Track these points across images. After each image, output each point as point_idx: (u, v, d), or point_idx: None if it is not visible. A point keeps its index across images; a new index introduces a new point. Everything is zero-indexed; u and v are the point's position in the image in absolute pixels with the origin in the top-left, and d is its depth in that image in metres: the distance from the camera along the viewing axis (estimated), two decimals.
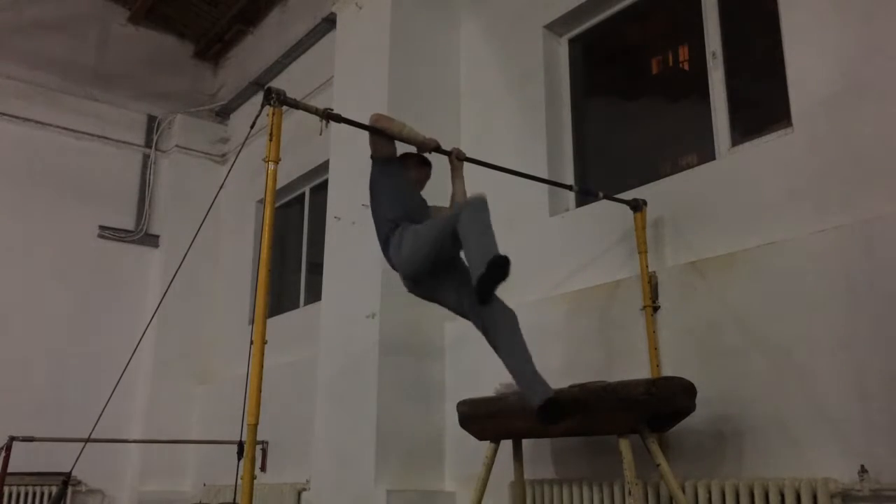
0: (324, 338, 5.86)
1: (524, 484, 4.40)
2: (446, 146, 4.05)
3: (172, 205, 8.90)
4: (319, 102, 4.14)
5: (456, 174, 4.12)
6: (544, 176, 4.98)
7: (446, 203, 4.15)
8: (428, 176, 4.11)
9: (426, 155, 4.06)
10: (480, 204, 3.48)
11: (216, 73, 9.89)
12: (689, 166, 4.67)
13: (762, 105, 4.45)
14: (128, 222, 8.90)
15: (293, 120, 3.89)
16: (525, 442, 4.38)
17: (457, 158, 4.08)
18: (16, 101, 8.31)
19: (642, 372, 4.12)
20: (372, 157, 3.94)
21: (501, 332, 3.60)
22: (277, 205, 3.75)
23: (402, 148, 4.02)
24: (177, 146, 9.19)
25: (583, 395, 3.73)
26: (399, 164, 4.00)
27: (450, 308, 3.87)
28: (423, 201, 4.04)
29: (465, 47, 6.20)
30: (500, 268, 3.29)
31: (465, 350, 5.35)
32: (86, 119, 8.73)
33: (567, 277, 4.89)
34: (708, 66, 4.60)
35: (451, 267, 3.75)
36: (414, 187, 4.03)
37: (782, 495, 3.43)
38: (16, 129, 8.32)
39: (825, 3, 3.93)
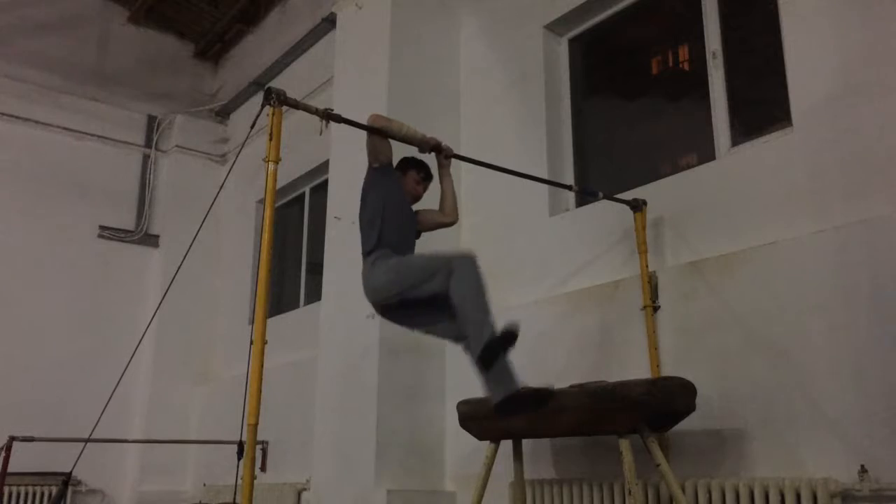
0: (324, 338, 5.86)
1: (524, 484, 4.40)
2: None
3: (172, 205, 8.89)
4: (319, 102, 4.14)
5: (444, 172, 4.07)
6: (544, 176, 4.98)
7: (434, 206, 4.12)
8: (426, 189, 4.08)
9: (424, 159, 4.04)
10: (471, 265, 3.47)
11: (216, 73, 9.89)
12: (689, 166, 4.67)
13: (762, 105, 4.45)
14: (128, 222, 8.90)
15: (293, 120, 3.89)
16: (525, 442, 4.38)
17: (444, 156, 4.02)
18: (16, 101, 8.31)
19: (642, 372, 4.12)
20: (370, 164, 3.91)
21: None
22: (277, 205, 3.75)
23: (399, 150, 4.00)
24: (177, 146, 9.19)
25: (582, 395, 3.73)
26: (397, 174, 3.97)
27: (419, 330, 3.87)
28: (412, 214, 4.01)
29: (464, 47, 6.20)
30: (512, 337, 3.32)
31: None
32: (86, 119, 8.73)
33: (567, 277, 4.89)
34: (708, 66, 4.60)
35: (422, 301, 3.68)
36: (407, 198, 4.01)
37: (782, 495, 3.43)
38: (16, 129, 8.32)
39: (825, 3, 3.93)
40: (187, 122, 9.32)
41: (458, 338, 3.63)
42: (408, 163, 4.04)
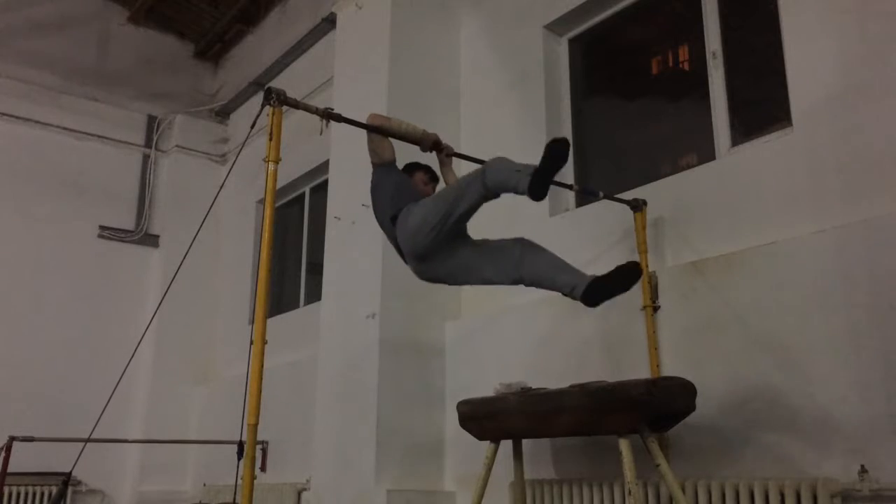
0: (324, 338, 5.86)
1: (524, 484, 4.39)
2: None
3: (172, 205, 8.89)
4: (319, 102, 4.14)
5: (446, 169, 4.11)
6: None
7: None
8: (434, 190, 4.09)
9: (424, 160, 4.05)
10: (499, 159, 3.50)
11: (216, 73, 9.89)
12: (689, 166, 4.67)
13: (762, 105, 4.45)
14: (128, 222, 8.89)
15: (293, 120, 3.89)
16: (525, 442, 4.38)
17: (446, 155, 4.05)
18: (16, 101, 8.31)
19: (642, 372, 4.12)
20: (373, 164, 3.92)
21: (535, 256, 3.64)
22: (277, 205, 3.75)
23: (401, 152, 4.00)
24: (177, 146, 9.19)
25: (582, 395, 3.73)
26: (402, 172, 3.97)
27: (462, 278, 3.79)
28: None
29: (465, 47, 6.20)
30: (561, 147, 3.26)
31: (465, 350, 5.36)
32: (86, 119, 8.73)
33: None
34: (708, 66, 4.60)
35: (459, 237, 3.69)
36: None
37: (782, 495, 3.43)
38: (16, 129, 8.32)
39: (825, 3, 3.93)
40: (187, 122, 9.31)
41: (512, 276, 3.62)
42: (413, 166, 4.04)
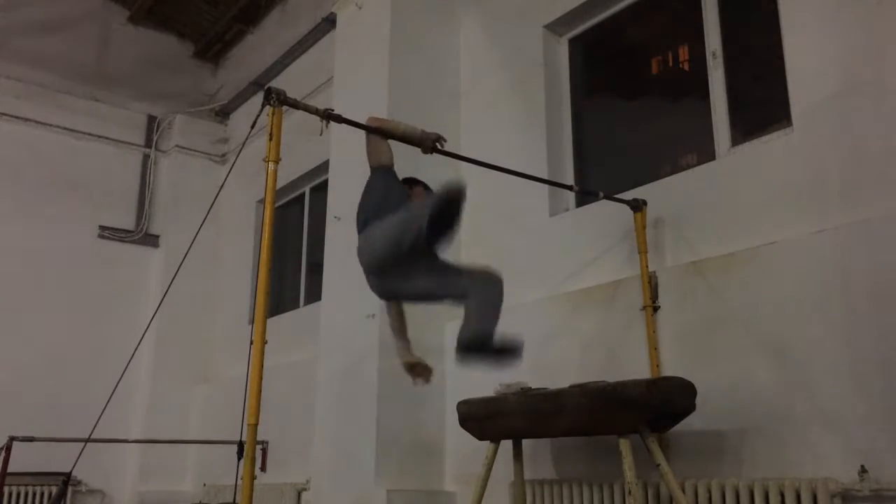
0: (324, 338, 5.86)
1: (524, 484, 4.40)
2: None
3: (172, 205, 8.90)
4: (319, 102, 4.14)
5: None
6: (544, 176, 4.98)
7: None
8: None
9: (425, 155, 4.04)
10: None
11: (216, 73, 9.89)
12: (689, 166, 4.67)
13: (762, 105, 4.45)
14: (128, 222, 8.90)
15: (293, 120, 3.88)
16: (525, 442, 4.38)
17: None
18: (16, 101, 8.31)
19: (642, 372, 4.12)
20: (371, 167, 3.89)
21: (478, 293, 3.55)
22: (277, 205, 3.75)
23: (399, 153, 3.98)
24: (177, 146, 9.20)
25: (582, 395, 3.73)
26: (400, 182, 3.93)
27: (416, 297, 3.79)
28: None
29: (465, 47, 6.20)
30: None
31: None
32: (86, 119, 8.73)
33: (567, 277, 4.89)
34: (708, 66, 4.60)
35: (423, 259, 3.56)
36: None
37: (782, 495, 3.44)
38: (16, 129, 8.32)
39: (825, 3, 3.93)
40: (187, 122, 9.32)
41: (454, 301, 3.63)
42: (412, 181, 3.96)
